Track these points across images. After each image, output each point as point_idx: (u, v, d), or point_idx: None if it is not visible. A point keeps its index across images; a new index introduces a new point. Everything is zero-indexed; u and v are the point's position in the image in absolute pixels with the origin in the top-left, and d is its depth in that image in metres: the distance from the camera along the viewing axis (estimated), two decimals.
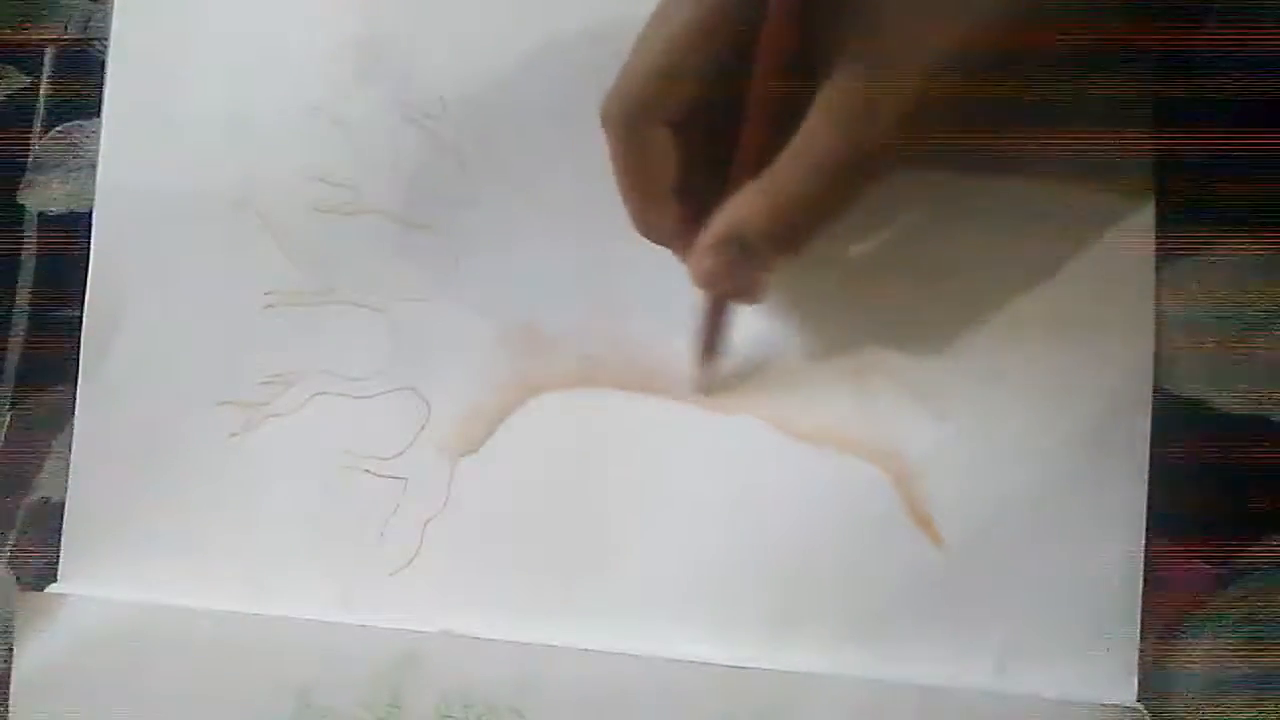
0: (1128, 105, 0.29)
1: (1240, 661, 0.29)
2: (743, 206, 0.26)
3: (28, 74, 0.34)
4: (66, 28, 0.34)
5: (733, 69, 0.25)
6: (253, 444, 0.32)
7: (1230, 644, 0.29)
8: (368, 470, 0.31)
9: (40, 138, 0.34)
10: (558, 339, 0.31)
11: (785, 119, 0.25)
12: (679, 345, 0.30)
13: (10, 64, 0.34)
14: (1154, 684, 0.29)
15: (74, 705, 0.31)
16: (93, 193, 0.33)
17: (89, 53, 0.34)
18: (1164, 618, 0.29)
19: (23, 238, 0.34)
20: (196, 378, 0.32)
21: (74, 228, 0.33)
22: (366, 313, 0.32)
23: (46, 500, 0.33)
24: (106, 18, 0.33)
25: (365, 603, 0.31)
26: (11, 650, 0.31)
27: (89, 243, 0.33)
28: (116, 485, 0.32)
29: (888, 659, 0.29)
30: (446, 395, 0.31)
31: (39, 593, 0.32)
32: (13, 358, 0.34)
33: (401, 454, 0.31)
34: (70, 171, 0.34)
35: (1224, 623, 0.29)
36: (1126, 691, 0.28)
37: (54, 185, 0.34)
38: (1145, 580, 0.29)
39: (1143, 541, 0.29)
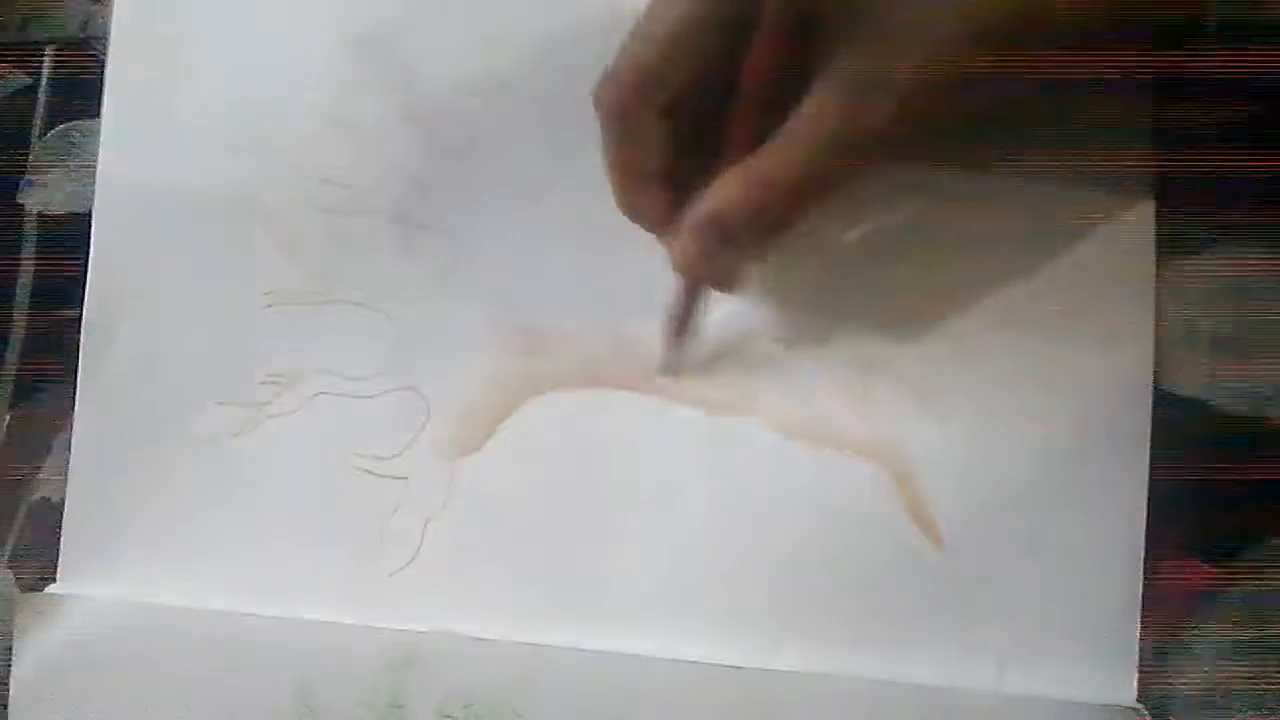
0: (1128, 106, 0.29)
1: (1240, 661, 0.29)
2: (724, 191, 0.26)
3: (28, 74, 0.34)
4: (66, 28, 0.34)
5: (726, 58, 0.25)
6: (253, 444, 0.32)
7: (1230, 644, 0.29)
8: (368, 470, 0.31)
9: (40, 138, 0.34)
10: (558, 339, 0.31)
11: (776, 109, 0.25)
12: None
13: (10, 64, 0.34)
14: (1154, 684, 0.29)
15: (73, 705, 0.31)
16: (93, 193, 0.33)
17: (89, 53, 0.34)
18: (1164, 618, 0.29)
19: (23, 237, 0.34)
20: (196, 378, 0.32)
21: (74, 228, 0.33)
22: (366, 312, 0.32)
23: (46, 500, 0.33)
24: (106, 18, 0.33)
25: (365, 603, 0.31)
26: (11, 650, 0.31)
27: (89, 243, 0.33)
28: (116, 485, 0.32)
29: (888, 659, 0.29)
30: (446, 395, 0.31)
31: (38, 593, 0.32)
32: (12, 358, 0.34)
33: (401, 454, 0.31)
34: (70, 171, 0.34)
35: (1224, 623, 0.29)
36: (1126, 691, 0.28)
37: (54, 185, 0.34)
38: (1145, 580, 0.29)
39: (1143, 541, 0.29)
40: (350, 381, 0.32)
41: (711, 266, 0.28)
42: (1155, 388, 0.29)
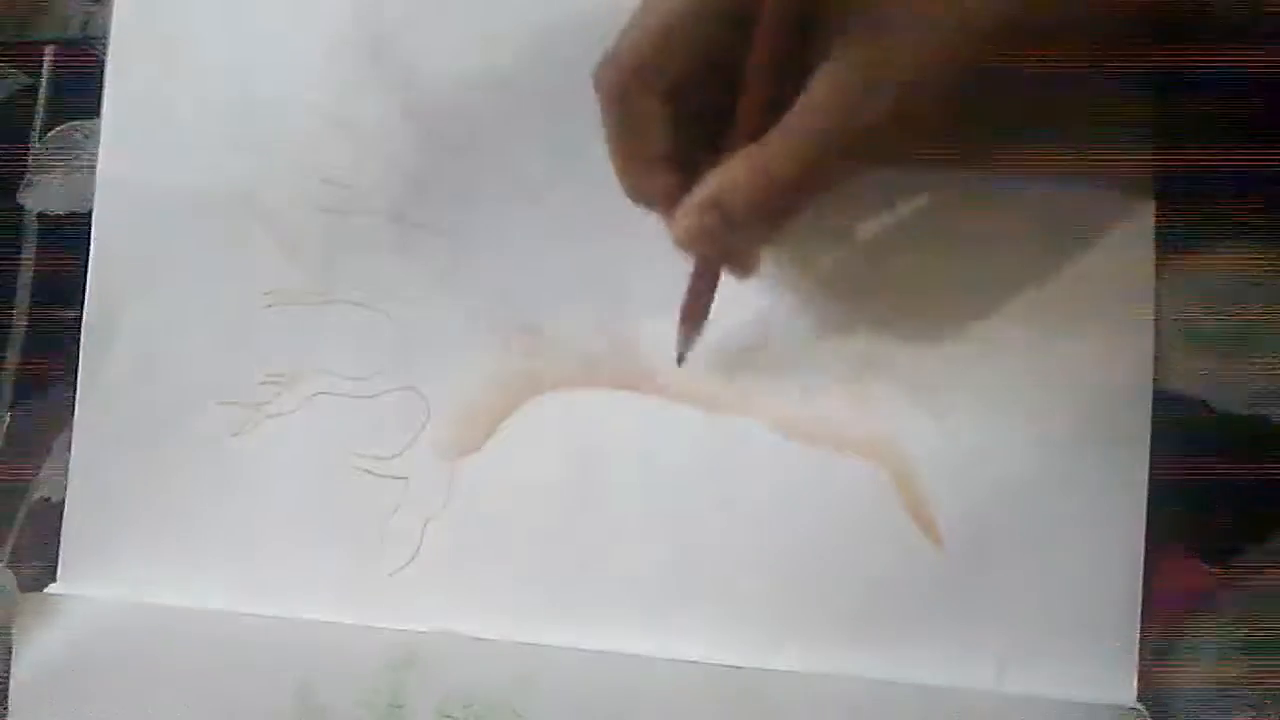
0: (1128, 105, 0.29)
1: (1240, 661, 0.29)
2: (728, 173, 0.26)
3: (28, 74, 0.34)
4: (66, 28, 0.34)
5: (730, 41, 0.25)
6: (253, 444, 0.32)
7: (1230, 644, 0.29)
8: (368, 470, 0.31)
9: (40, 138, 0.34)
10: (558, 339, 0.31)
11: (782, 92, 0.25)
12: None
13: (10, 64, 0.34)
14: (1154, 684, 0.29)
15: (73, 705, 0.31)
16: (92, 192, 0.33)
17: (89, 53, 0.34)
18: (1164, 618, 0.29)
19: (23, 237, 0.34)
20: (196, 377, 0.32)
21: (74, 227, 0.33)
22: (366, 312, 0.32)
23: (46, 500, 0.33)
24: (106, 18, 0.33)
25: (365, 602, 0.31)
26: (11, 650, 0.31)
27: (89, 242, 0.33)
28: (116, 485, 0.32)
29: (887, 659, 0.29)
30: (446, 395, 0.31)
31: (38, 593, 0.32)
32: (12, 358, 0.34)
33: (401, 454, 0.31)
34: (70, 171, 0.34)
35: (1224, 622, 0.29)
36: (1126, 691, 0.28)
37: (54, 185, 0.34)
38: (1145, 580, 0.29)
39: (1143, 541, 0.29)
40: (350, 381, 0.32)
41: (715, 246, 0.27)
42: (1155, 388, 0.29)
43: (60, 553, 0.32)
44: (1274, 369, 0.29)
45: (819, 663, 0.29)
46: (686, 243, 0.27)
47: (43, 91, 0.34)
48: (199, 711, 0.31)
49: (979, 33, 0.24)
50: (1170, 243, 0.29)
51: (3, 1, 0.34)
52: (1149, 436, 0.29)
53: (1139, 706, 0.28)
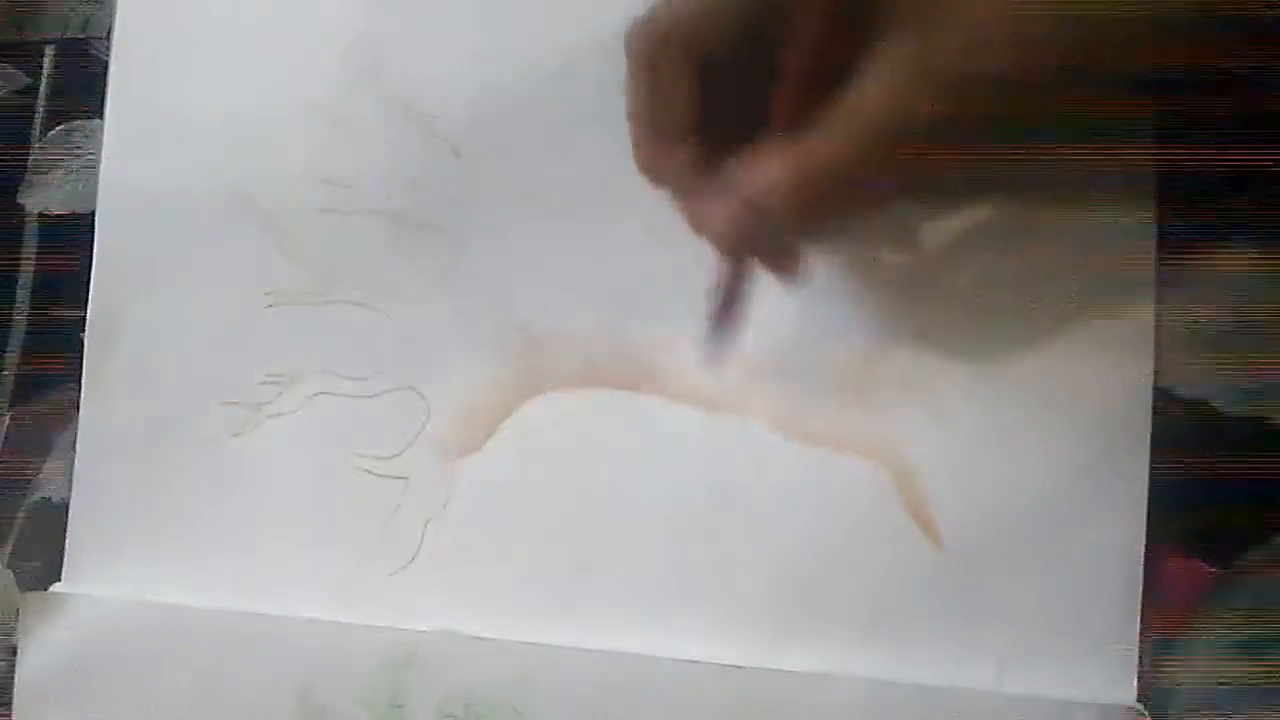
0: (1128, 105, 0.29)
1: (1240, 662, 0.29)
2: (764, 172, 0.25)
3: (28, 74, 0.34)
4: (66, 28, 0.34)
5: (770, 23, 0.24)
6: (253, 444, 0.32)
7: (1230, 644, 0.29)
8: (368, 470, 0.31)
9: (40, 138, 0.34)
10: (558, 339, 0.31)
11: (819, 93, 0.24)
12: (679, 345, 0.30)
13: (10, 64, 0.34)
14: (1154, 684, 0.29)
15: (76, 705, 0.31)
16: (93, 193, 0.33)
17: (89, 53, 0.34)
18: (1164, 618, 0.29)
19: (23, 238, 0.34)
20: (198, 377, 0.32)
21: (75, 228, 0.33)
22: (366, 312, 0.32)
23: (48, 500, 0.33)
24: (106, 18, 0.33)
25: (365, 602, 0.31)
26: (14, 650, 0.31)
27: (90, 243, 0.33)
28: (119, 485, 0.32)
29: (888, 659, 0.29)
30: (446, 395, 0.31)
31: (41, 593, 0.32)
32: (14, 358, 0.34)
33: (401, 454, 0.31)
34: (70, 171, 0.34)
35: (1224, 623, 0.29)
36: (1126, 692, 0.28)
37: (54, 185, 0.34)
38: (1145, 581, 0.28)
39: (1143, 542, 0.28)
40: (350, 381, 0.32)
41: (757, 249, 0.27)
42: (1155, 388, 0.29)
43: (65, 552, 0.32)
44: (1274, 369, 0.29)
45: (819, 663, 0.29)
46: (730, 250, 0.27)
47: (43, 91, 0.34)
48: (200, 710, 0.31)
49: (1029, 30, 0.23)
50: (1170, 242, 0.29)
51: (3, 2, 0.34)
52: (1149, 436, 0.29)
53: (1139, 706, 0.28)
